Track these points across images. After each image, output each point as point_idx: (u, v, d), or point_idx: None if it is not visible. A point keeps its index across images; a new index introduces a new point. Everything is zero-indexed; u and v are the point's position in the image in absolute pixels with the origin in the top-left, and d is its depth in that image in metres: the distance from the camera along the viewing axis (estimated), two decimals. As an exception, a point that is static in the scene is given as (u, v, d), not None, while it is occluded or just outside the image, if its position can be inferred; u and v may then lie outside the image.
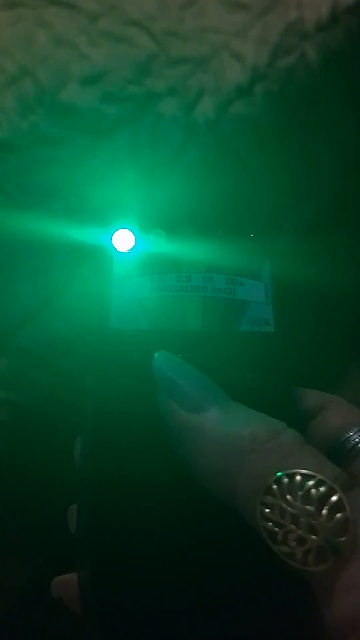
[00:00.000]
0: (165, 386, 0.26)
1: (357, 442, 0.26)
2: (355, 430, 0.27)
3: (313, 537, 0.21)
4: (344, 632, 0.21)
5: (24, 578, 0.45)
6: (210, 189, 0.42)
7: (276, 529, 0.22)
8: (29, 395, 0.38)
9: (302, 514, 0.22)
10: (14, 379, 0.38)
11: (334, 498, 0.22)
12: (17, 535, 0.42)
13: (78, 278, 0.39)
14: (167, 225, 0.30)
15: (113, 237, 0.30)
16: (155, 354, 0.27)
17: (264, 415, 0.25)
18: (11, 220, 0.41)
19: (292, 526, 0.22)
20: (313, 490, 0.22)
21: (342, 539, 0.21)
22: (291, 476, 0.22)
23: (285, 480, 0.22)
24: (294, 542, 0.22)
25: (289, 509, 0.22)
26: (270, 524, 0.22)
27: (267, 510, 0.22)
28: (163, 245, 0.30)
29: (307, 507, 0.22)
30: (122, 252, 0.30)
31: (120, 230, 0.30)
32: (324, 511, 0.22)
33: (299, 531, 0.22)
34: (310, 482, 0.22)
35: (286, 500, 0.22)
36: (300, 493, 0.22)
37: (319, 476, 0.22)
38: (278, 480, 0.22)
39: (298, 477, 0.22)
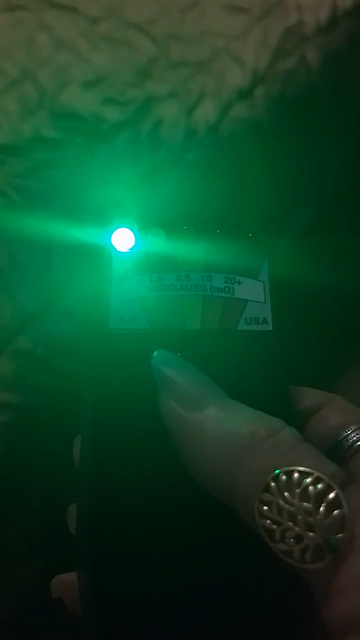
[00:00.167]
0: (164, 385, 0.26)
1: (355, 440, 0.26)
2: (354, 428, 0.27)
3: (310, 534, 0.21)
4: (341, 630, 0.21)
5: (24, 578, 0.45)
6: (209, 189, 0.42)
7: (274, 526, 0.22)
8: (29, 397, 0.38)
9: (299, 512, 0.22)
10: (14, 380, 0.38)
11: (332, 495, 0.22)
12: (17, 536, 0.42)
13: (77, 278, 0.39)
14: (166, 224, 0.30)
15: (112, 237, 0.30)
16: (154, 353, 0.27)
17: (262, 414, 0.25)
18: (11, 222, 0.41)
19: (290, 524, 0.22)
20: (311, 488, 0.22)
21: (339, 536, 0.21)
22: (289, 474, 0.22)
23: (284, 477, 0.22)
24: (292, 540, 0.22)
25: (287, 506, 0.22)
26: (268, 521, 0.22)
27: (265, 508, 0.22)
28: (162, 244, 0.30)
29: (305, 504, 0.22)
30: (121, 251, 0.30)
31: (119, 229, 0.30)
32: (321, 508, 0.22)
33: (297, 529, 0.22)
34: (308, 480, 0.22)
35: (284, 498, 0.22)
36: (298, 490, 0.22)
37: (317, 474, 0.22)
38: (276, 478, 0.22)
39: (296, 475, 0.22)
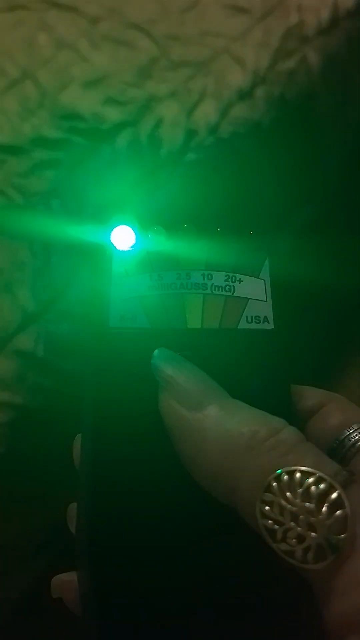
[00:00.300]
0: (164, 384, 0.26)
1: (356, 439, 0.26)
2: (355, 427, 0.27)
3: (312, 534, 0.21)
4: (342, 631, 0.21)
5: (24, 578, 0.45)
6: (210, 188, 0.42)
7: (275, 526, 0.22)
8: (28, 397, 0.38)
9: (301, 512, 0.22)
10: (14, 380, 0.38)
11: (334, 495, 0.22)
12: (17, 536, 0.42)
13: (77, 277, 0.39)
14: (166, 222, 0.30)
15: (112, 235, 0.30)
16: (155, 352, 0.27)
17: (263, 413, 0.24)
18: (11, 221, 0.41)
19: (292, 524, 0.22)
20: (312, 488, 0.22)
21: (342, 536, 0.21)
22: (291, 473, 0.22)
23: (285, 477, 0.22)
24: (294, 540, 0.21)
25: (289, 506, 0.22)
26: (270, 521, 0.22)
27: (266, 508, 0.22)
28: (162, 243, 0.30)
29: (307, 504, 0.22)
30: (122, 250, 0.30)
31: (119, 227, 0.30)
32: (323, 508, 0.21)
33: (299, 529, 0.22)
34: (310, 480, 0.22)
35: (286, 498, 0.22)
36: (299, 490, 0.22)
37: (319, 473, 0.22)
38: (278, 478, 0.22)
39: (298, 475, 0.22)
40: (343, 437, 0.27)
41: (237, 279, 0.29)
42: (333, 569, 0.21)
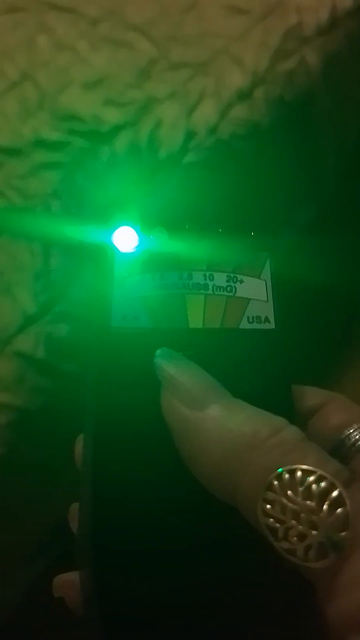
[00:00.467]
0: (167, 384, 0.26)
1: (357, 438, 0.26)
2: (356, 427, 0.27)
3: (314, 532, 0.21)
4: (344, 629, 0.21)
5: (26, 578, 0.45)
6: (210, 189, 0.43)
7: (277, 525, 0.22)
8: (29, 398, 0.38)
9: (303, 510, 0.22)
10: (14, 382, 0.38)
11: (335, 493, 0.22)
12: (19, 536, 0.42)
13: (78, 278, 0.39)
14: (168, 223, 0.30)
15: (114, 236, 0.30)
16: (157, 352, 0.27)
17: (265, 412, 0.25)
18: (11, 223, 0.41)
19: (293, 522, 0.22)
20: (314, 486, 0.22)
21: (343, 534, 0.21)
22: (292, 472, 0.22)
23: (286, 476, 0.22)
24: (295, 538, 0.22)
25: (290, 504, 0.22)
26: (271, 520, 0.22)
27: (268, 506, 0.22)
28: (164, 243, 0.30)
29: (308, 502, 0.22)
30: (124, 251, 0.30)
31: (121, 228, 0.30)
32: (324, 507, 0.22)
33: (300, 527, 0.22)
34: (311, 478, 0.22)
35: (287, 496, 0.22)
36: (301, 489, 0.22)
37: (320, 472, 0.22)
38: (279, 477, 0.22)
39: (299, 473, 0.22)
40: (344, 436, 0.27)
41: (239, 279, 0.30)
42: (334, 567, 0.21)
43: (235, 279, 0.30)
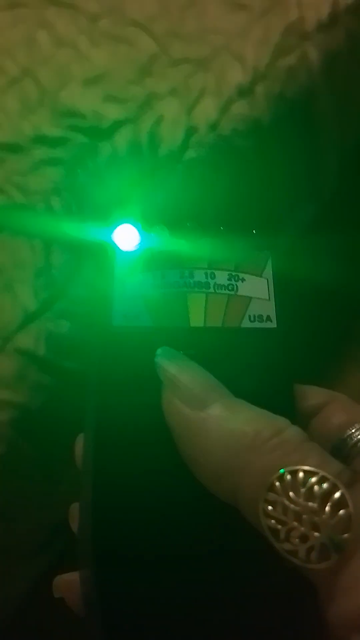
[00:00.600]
0: (168, 383, 0.26)
1: (359, 439, 0.26)
2: (358, 427, 0.27)
3: (316, 534, 0.21)
4: (345, 630, 0.21)
5: (26, 578, 0.45)
6: (211, 186, 0.42)
7: (279, 526, 0.22)
8: (29, 395, 0.38)
9: (305, 511, 0.22)
10: (14, 379, 0.38)
11: (337, 495, 0.22)
12: (19, 536, 0.42)
13: (78, 275, 0.39)
14: (169, 221, 0.30)
15: (115, 234, 0.29)
16: (158, 351, 0.27)
17: (267, 412, 0.24)
18: (11, 219, 0.41)
19: (295, 523, 0.22)
20: (316, 487, 0.22)
21: (345, 535, 0.21)
22: (294, 473, 0.22)
23: (288, 477, 0.22)
24: (297, 540, 0.22)
25: (292, 506, 0.22)
26: (273, 521, 0.22)
27: (269, 507, 0.22)
28: (165, 242, 0.30)
29: (310, 503, 0.22)
30: (125, 249, 0.30)
31: (122, 227, 0.29)
32: (327, 508, 0.22)
33: (302, 528, 0.22)
34: (313, 479, 0.22)
35: (289, 497, 0.22)
36: (303, 490, 0.22)
37: (322, 473, 0.22)
38: (281, 478, 0.22)
39: (301, 474, 0.22)
40: (346, 436, 0.27)
41: (240, 277, 0.29)
42: (336, 568, 0.21)
43: (236, 277, 0.29)
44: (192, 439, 0.25)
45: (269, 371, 0.28)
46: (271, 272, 0.30)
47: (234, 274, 0.30)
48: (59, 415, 0.38)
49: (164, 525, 0.25)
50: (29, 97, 0.43)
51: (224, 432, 0.24)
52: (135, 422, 0.26)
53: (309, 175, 0.49)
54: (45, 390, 0.38)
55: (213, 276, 0.29)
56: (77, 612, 0.26)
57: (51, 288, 0.39)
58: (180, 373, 0.26)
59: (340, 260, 0.49)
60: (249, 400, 0.25)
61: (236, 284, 0.29)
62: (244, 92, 0.44)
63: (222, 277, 0.29)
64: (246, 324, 0.29)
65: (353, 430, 0.27)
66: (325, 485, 0.22)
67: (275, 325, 0.29)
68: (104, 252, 0.30)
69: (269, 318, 0.29)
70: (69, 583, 0.27)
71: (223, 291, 0.29)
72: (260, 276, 0.30)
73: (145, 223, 0.30)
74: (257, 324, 0.29)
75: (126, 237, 0.29)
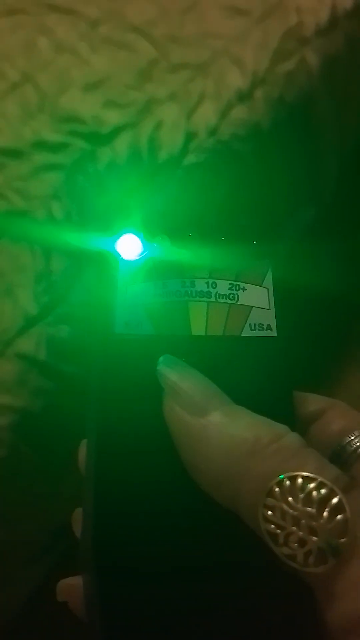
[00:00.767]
0: (169, 390, 0.26)
1: (357, 445, 0.27)
2: (356, 434, 0.27)
3: (314, 538, 0.22)
4: (343, 633, 0.21)
5: (29, 582, 0.45)
6: (211, 192, 0.43)
7: (277, 530, 0.22)
8: (30, 400, 0.38)
9: (303, 516, 0.22)
10: (15, 383, 0.38)
11: (335, 500, 0.22)
12: (22, 540, 0.42)
13: (79, 279, 0.39)
14: (170, 231, 0.30)
15: (117, 243, 0.30)
16: (160, 359, 0.27)
17: (266, 419, 0.25)
18: (12, 225, 0.41)
19: (293, 528, 0.22)
20: (314, 493, 0.22)
21: (342, 540, 0.21)
22: (293, 479, 0.22)
23: (287, 482, 0.22)
24: (295, 544, 0.22)
25: (290, 511, 0.22)
26: (272, 526, 0.22)
27: (269, 512, 0.22)
28: (167, 251, 0.30)
29: (308, 509, 0.22)
30: (127, 258, 0.30)
31: (124, 236, 0.30)
32: (324, 513, 0.22)
33: (300, 533, 0.22)
34: (312, 485, 0.22)
35: (288, 503, 0.22)
36: (301, 495, 0.22)
37: (320, 478, 0.22)
38: (280, 483, 0.22)
39: (299, 480, 0.22)
40: (344, 443, 0.27)
41: (241, 287, 0.30)
42: (334, 572, 0.21)
43: (237, 286, 0.30)
44: (192, 445, 0.25)
45: (269, 379, 0.28)
46: (271, 281, 0.30)
47: (234, 283, 0.30)
48: (59, 420, 0.39)
49: (165, 530, 0.25)
50: (29, 103, 0.43)
51: (224, 439, 0.24)
52: (136, 429, 0.27)
53: (308, 178, 0.50)
54: (46, 395, 0.38)
55: (214, 285, 0.29)
56: (80, 616, 0.26)
57: (51, 293, 0.39)
58: (181, 380, 0.26)
59: (340, 267, 0.49)
60: (249, 407, 0.25)
61: (237, 293, 0.29)
62: (244, 96, 0.44)
63: (223, 287, 0.29)
64: (247, 332, 0.29)
65: (352, 437, 0.27)
66: (323, 491, 0.22)
67: (276, 334, 0.29)
68: (106, 261, 0.30)
69: (269, 327, 0.29)
70: (71, 587, 0.27)
71: (224, 300, 0.29)
72: (261, 285, 0.30)
73: (147, 233, 0.30)
74: (257, 333, 0.29)
75: (129, 246, 0.30)
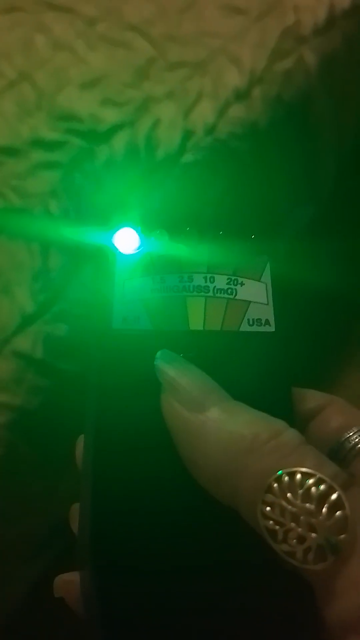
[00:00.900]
0: (167, 386, 0.26)
1: (357, 442, 0.27)
2: (355, 430, 0.27)
3: (313, 535, 0.22)
4: (342, 631, 0.21)
5: (26, 578, 0.45)
6: (209, 190, 0.43)
7: (277, 527, 0.22)
8: (27, 398, 0.38)
9: (302, 513, 0.22)
10: (12, 382, 0.38)
11: (334, 496, 0.22)
12: (19, 536, 0.42)
13: (76, 277, 0.39)
14: (168, 226, 0.30)
15: (115, 238, 0.30)
16: (158, 354, 0.27)
17: (265, 415, 0.25)
18: (10, 222, 0.41)
19: (293, 524, 0.22)
20: (313, 489, 0.22)
21: (341, 537, 0.21)
22: (291, 475, 0.22)
23: (286, 479, 0.22)
24: (294, 541, 0.22)
25: (289, 507, 0.22)
26: (271, 522, 0.22)
27: (267, 509, 0.22)
28: (165, 246, 0.30)
29: (307, 505, 0.22)
30: (125, 253, 0.30)
31: (122, 230, 0.30)
32: (323, 509, 0.22)
33: (299, 529, 0.22)
34: (310, 481, 0.22)
35: (286, 499, 0.22)
36: (300, 491, 0.22)
37: (319, 475, 0.22)
38: (279, 479, 0.22)
39: (298, 476, 0.22)
40: (343, 439, 0.27)
41: (239, 282, 0.30)
42: (333, 569, 0.21)
43: (235, 281, 0.30)
44: (191, 441, 0.25)
45: (268, 374, 0.28)
46: (269, 276, 0.30)
47: (233, 278, 0.30)
48: (57, 417, 0.38)
49: (163, 526, 0.25)
50: (27, 101, 0.43)
51: (223, 435, 0.24)
52: (134, 425, 0.26)
53: (306, 177, 0.50)
54: (43, 393, 0.38)
55: (212, 280, 0.29)
56: (77, 612, 0.26)
57: (49, 290, 0.39)
58: (179, 376, 0.26)
59: (338, 264, 0.50)
60: (248, 403, 0.25)
61: (235, 288, 0.29)
62: (241, 95, 0.44)
63: (221, 281, 0.29)
64: (245, 327, 0.29)
65: (350, 434, 0.27)
66: (322, 487, 0.22)
67: (274, 329, 0.29)
68: (104, 255, 0.30)
69: (267, 322, 0.29)
70: (69, 583, 0.27)
71: (222, 295, 0.29)
72: (259, 280, 0.30)
73: (145, 227, 0.30)
74: (255, 328, 0.29)
75: (126, 240, 0.30)
